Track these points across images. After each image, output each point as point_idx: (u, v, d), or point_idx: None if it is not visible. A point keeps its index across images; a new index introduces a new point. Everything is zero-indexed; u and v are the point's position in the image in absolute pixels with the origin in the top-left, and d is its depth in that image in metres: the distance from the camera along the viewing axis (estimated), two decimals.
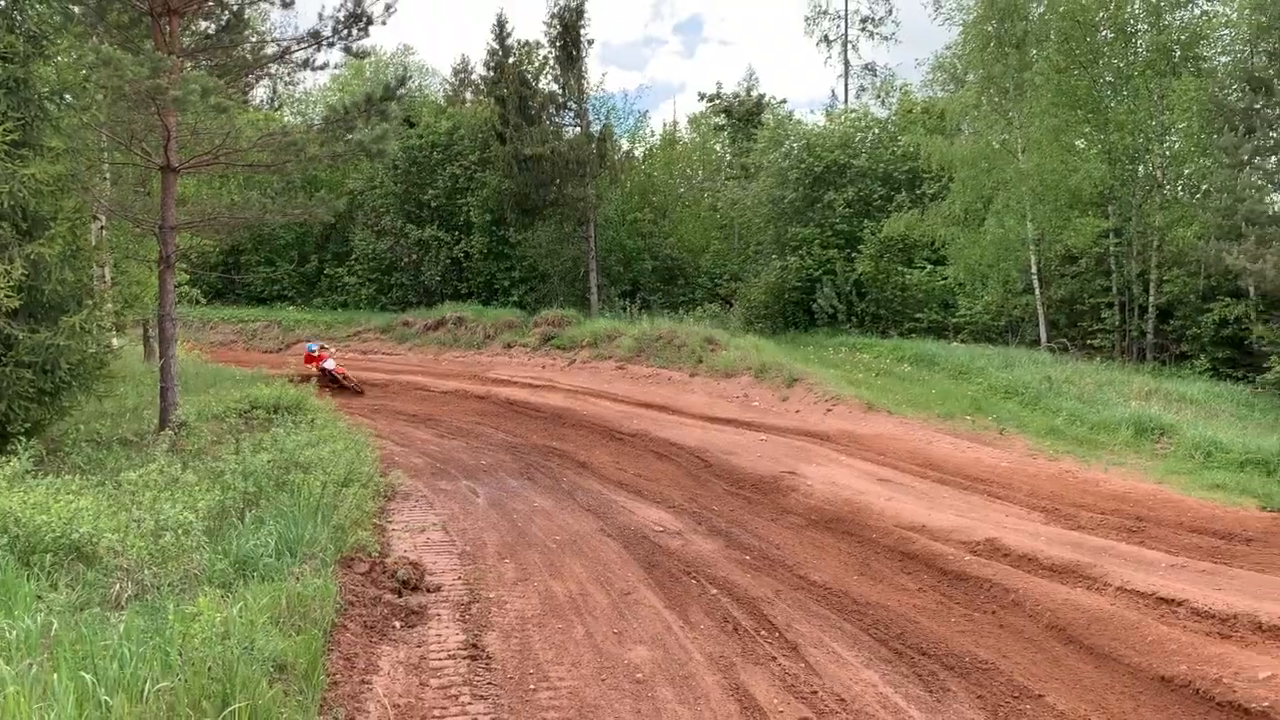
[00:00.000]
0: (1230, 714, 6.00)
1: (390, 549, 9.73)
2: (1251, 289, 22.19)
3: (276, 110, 36.18)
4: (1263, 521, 10.62)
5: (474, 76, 39.49)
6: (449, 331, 29.72)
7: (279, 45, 14.03)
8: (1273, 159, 22.64)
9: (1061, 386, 18.52)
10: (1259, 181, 22.54)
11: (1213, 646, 6.75)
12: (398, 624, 7.55)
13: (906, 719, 6.04)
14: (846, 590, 8.70)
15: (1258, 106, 21.88)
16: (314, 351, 23.43)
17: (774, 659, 7.04)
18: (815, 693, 6.42)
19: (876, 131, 31.49)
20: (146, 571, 6.72)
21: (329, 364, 22.37)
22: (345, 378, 22.22)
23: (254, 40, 15.06)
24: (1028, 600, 8.07)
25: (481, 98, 36.32)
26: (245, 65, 14.33)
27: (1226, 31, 24.27)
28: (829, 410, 17.90)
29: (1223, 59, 24.22)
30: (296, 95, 39.55)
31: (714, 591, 8.70)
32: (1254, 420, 17.38)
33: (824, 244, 29.34)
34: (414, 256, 33.79)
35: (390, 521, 11.03)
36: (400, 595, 8.21)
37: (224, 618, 5.59)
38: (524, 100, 30.76)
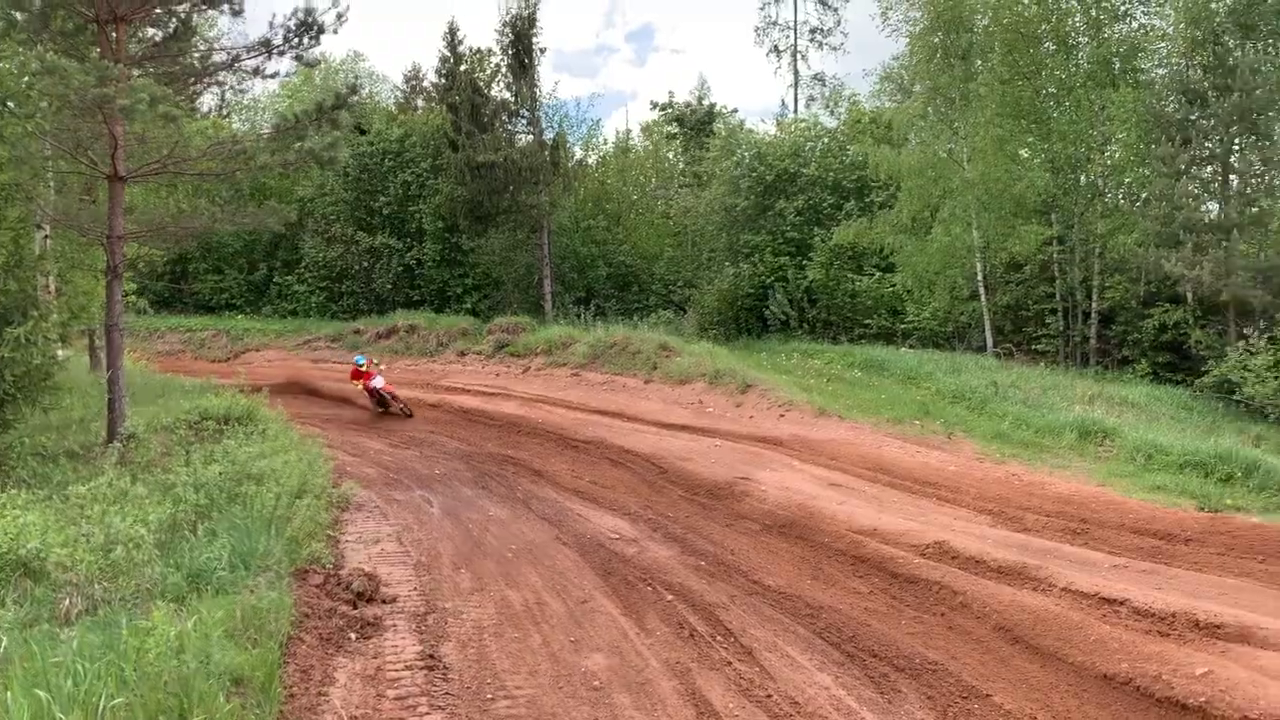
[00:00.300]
0: (1169, 709, 6.21)
1: (345, 560, 9.68)
2: (1189, 295, 22.84)
3: (225, 117, 35.67)
4: (1200, 522, 10.92)
5: (425, 84, 39.33)
6: (401, 339, 29.50)
7: (228, 53, 13.85)
8: (1208, 169, 23.34)
9: (1007, 391, 18.89)
10: (1195, 190, 23.23)
11: (1153, 645, 6.97)
12: (354, 636, 7.54)
13: None
14: (800, 594, 8.83)
15: (1193, 118, 22.55)
16: (361, 366, 21.06)
17: (729, 664, 7.14)
18: (770, 696, 6.54)
19: (826, 141, 31.85)
20: (97, 586, 6.66)
21: (377, 382, 20.24)
22: (394, 398, 20.21)
23: (202, 48, 14.88)
24: (976, 602, 8.26)
25: (433, 105, 36.17)
26: (194, 73, 14.15)
27: (1163, 45, 24.98)
28: (782, 416, 18.08)
29: (1160, 71, 24.93)
30: (245, 102, 39.02)
31: (670, 598, 8.79)
32: (1192, 423, 17.89)
33: (776, 251, 29.63)
34: (365, 264, 33.53)
35: (344, 533, 10.97)
36: (356, 607, 8.19)
37: (178, 632, 5.57)
38: (476, 108, 30.69)
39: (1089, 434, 15.58)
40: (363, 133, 33.24)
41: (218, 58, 14.41)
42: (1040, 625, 7.60)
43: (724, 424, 18.00)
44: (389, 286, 33.29)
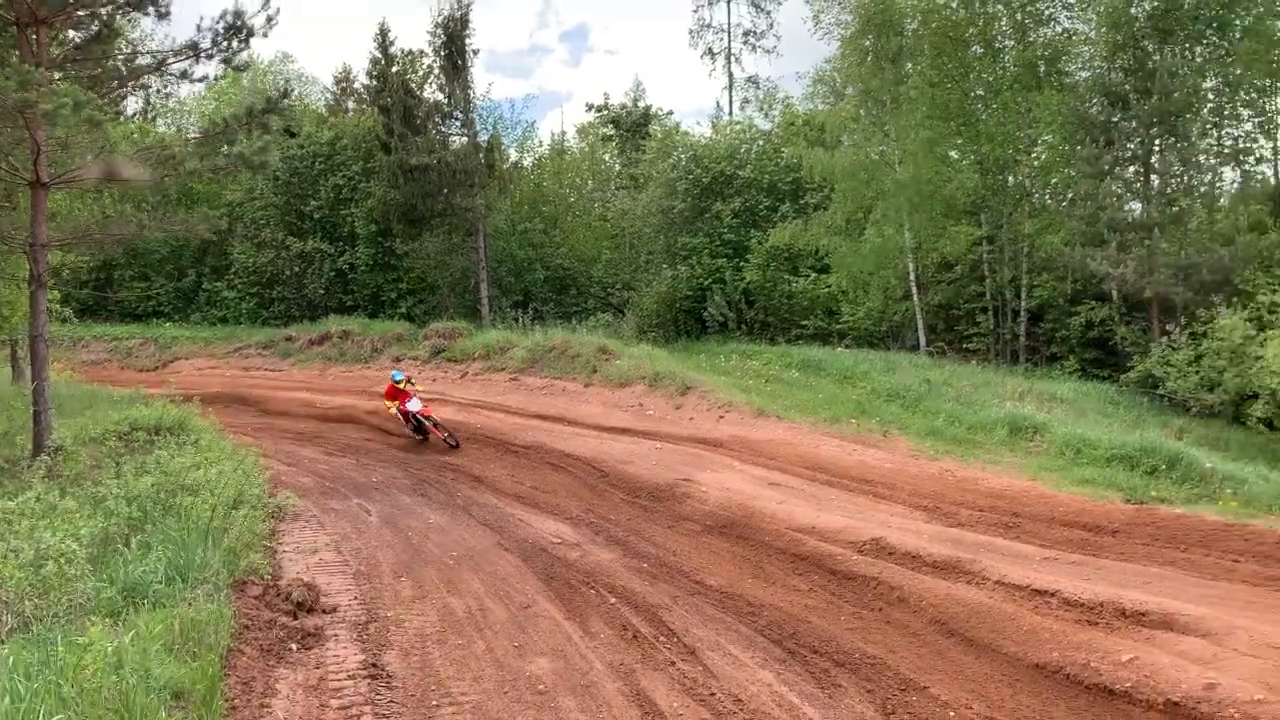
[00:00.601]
0: (1097, 695, 6.42)
1: (283, 571, 9.55)
2: (1114, 292, 23.49)
3: (151, 121, 34.88)
4: (1127, 513, 11.26)
5: (356, 85, 38.89)
6: (335, 346, 29.13)
7: (154, 57, 13.56)
8: (1130, 169, 24.03)
9: (940, 389, 19.26)
10: (1119, 190, 23.89)
11: (1081, 633, 7.20)
12: (295, 646, 7.46)
13: (801, 715, 6.28)
14: (741, 593, 8.94)
15: (1116, 119, 23.20)
16: (398, 383, 18.13)
17: (673, 664, 7.21)
18: (713, 694, 6.62)
19: (761, 143, 32.17)
20: (28, 603, 6.50)
21: (413, 405, 17.54)
22: (434, 425, 17.38)
23: (126, 51, 14.56)
24: (912, 596, 8.44)
25: (365, 107, 35.79)
26: (118, 77, 13.84)
27: (1086, 48, 25.64)
28: (721, 417, 18.22)
29: (1083, 74, 25.59)
30: (171, 105, 38.20)
31: (613, 600, 8.83)
32: (1119, 417, 18.41)
33: (713, 253, 29.83)
34: (296, 269, 33.03)
35: (282, 543, 10.82)
36: (296, 617, 8.10)
37: (116, 647, 5.46)
38: (409, 110, 30.43)
39: (1020, 430, 15.94)
40: (292, 135, 32.75)
41: (143, 61, 14.13)
42: (975, 618, 7.79)
43: (664, 426, 18.09)
44: (321, 292, 32.84)
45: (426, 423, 17.35)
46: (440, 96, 31.48)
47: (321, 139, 33.39)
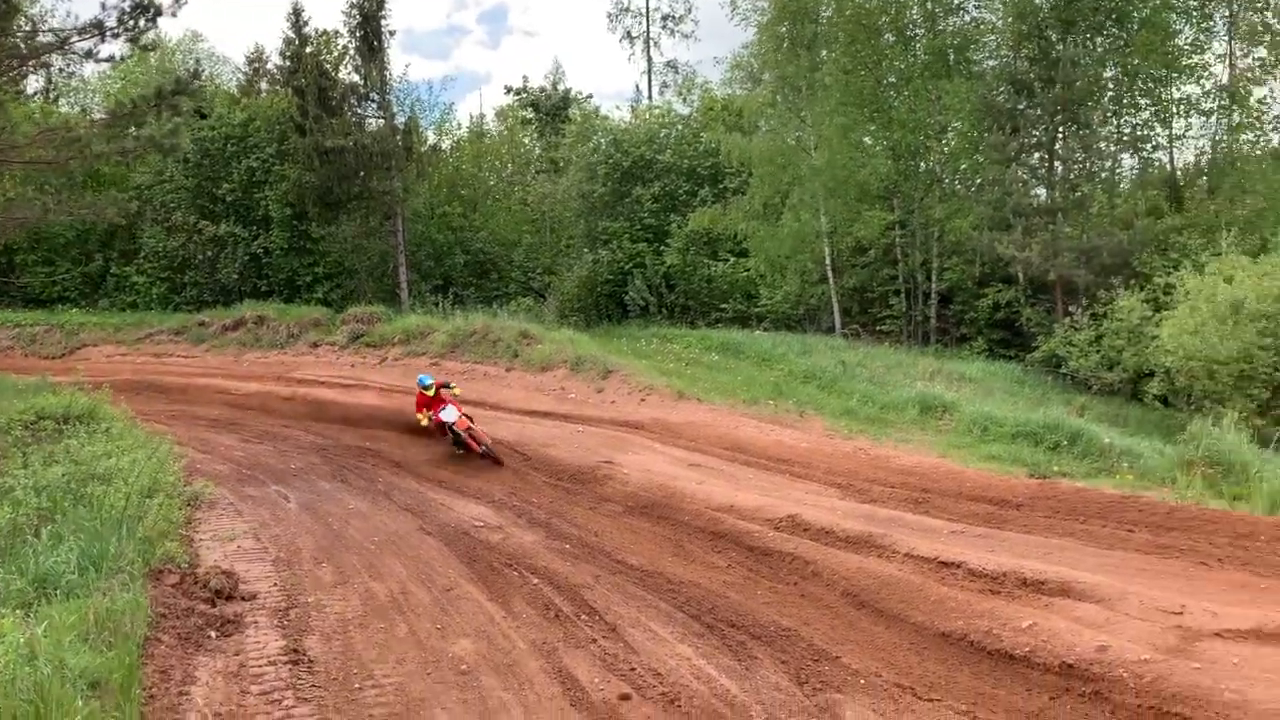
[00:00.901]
0: (999, 660, 6.75)
1: (200, 559, 9.45)
2: (1020, 275, 24.30)
3: (54, 101, 33.62)
4: (1030, 488, 11.73)
5: (269, 66, 37.92)
6: (250, 331, 28.52)
7: (56, 35, 13.16)
8: (1036, 156, 24.85)
9: (855, 370, 19.74)
10: (1024, 176, 24.70)
11: (985, 602, 7.54)
12: (213, 634, 7.42)
13: (718, 687, 6.50)
14: (662, 571, 9.13)
15: (1021, 107, 23.95)
16: (427, 388, 15.35)
17: (594, 641, 7.37)
18: (634, 669, 6.80)
19: (680, 128, 32.40)
20: None
21: (447, 414, 14.84)
22: (474, 438, 14.64)
23: (26, 28, 14.08)
24: (825, 570, 8.73)
25: (278, 88, 34.95)
26: (18, 55, 13.40)
27: (993, 38, 26.39)
28: (643, 400, 18.41)
29: (990, 63, 26.33)
30: (74, 85, 36.83)
31: (536, 581, 8.95)
32: (1024, 395, 19.10)
33: (633, 238, 30.00)
34: (209, 254, 32.19)
35: (198, 531, 10.68)
36: (214, 605, 8.05)
37: (28, 638, 5.40)
38: (324, 91, 29.85)
39: (930, 409, 16.45)
40: (204, 117, 31.87)
41: (44, 39, 13.69)
42: (885, 589, 8.10)
43: (586, 409, 18.21)
44: (235, 276, 32.07)
45: (464, 436, 14.69)
46: (356, 78, 30.93)
47: (234, 120, 32.54)
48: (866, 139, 27.08)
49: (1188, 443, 12.73)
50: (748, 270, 27.98)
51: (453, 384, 15.99)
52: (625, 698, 6.33)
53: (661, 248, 29.59)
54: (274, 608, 8.18)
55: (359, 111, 30.91)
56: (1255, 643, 6.07)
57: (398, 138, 30.19)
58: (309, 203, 30.49)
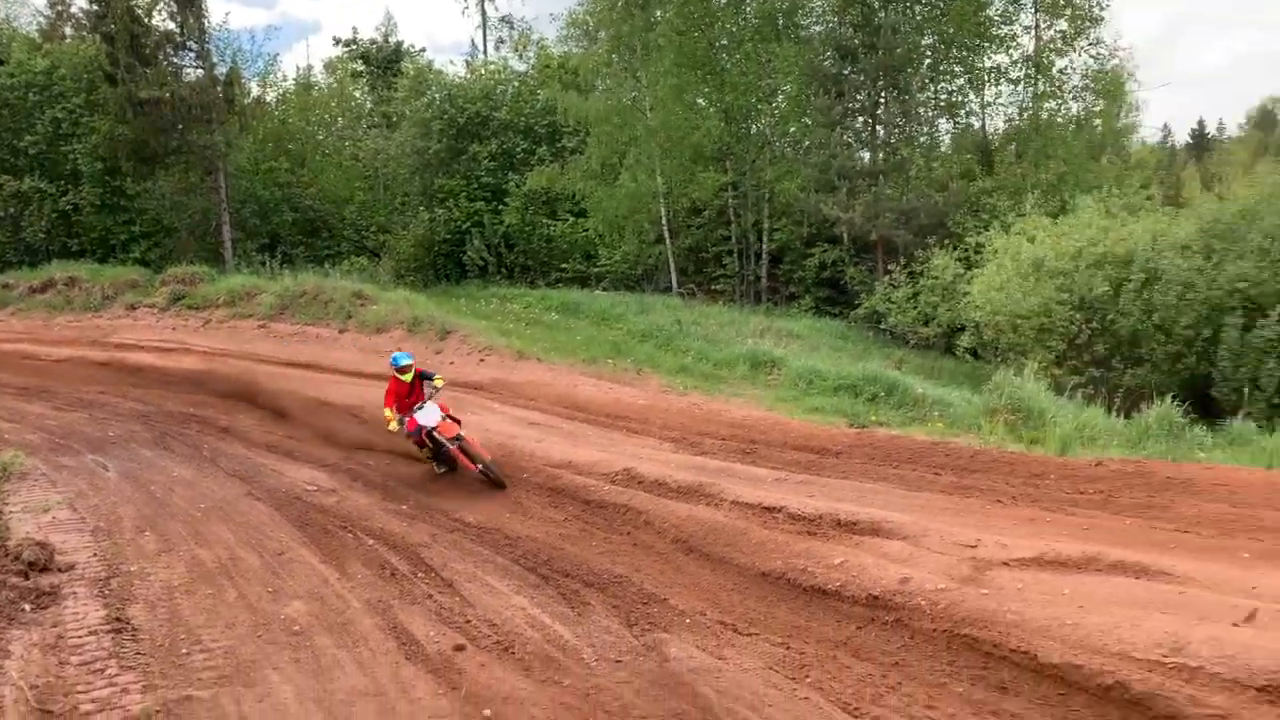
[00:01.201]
0: (814, 595, 7.25)
1: (11, 532, 9.02)
2: (845, 235, 25.40)
3: None
4: (849, 437, 12.43)
5: (74, 10, 35.42)
6: (60, 294, 26.79)
7: None
8: (860, 120, 25.91)
9: (690, 328, 20.30)
10: (849, 140, 25.74)
11: (802, 543, 8.04)
12: (28, 607, 7.17)
13: (551, 633, 6.76)
14: (499, 527, 9.31)
15: (846, 72, 24.90)
16: (401, 370, 11.34)
17: (430, 596, 7.51)
18: (469, 621, 6.98)
19: (517, 85, 32.12)
20: None
21: (426, 416, 10.93)
22: (464, 449, 10.89)
23: None
24: (657, 519, 9.09)
25: (85, 34, 32.68)
26: None
27: (820, 3, 27.22)
28: (482, 360, 18.41)
29: (817, 28, 27.18)
30: None
31: (371, 542, 8.98)
32: (847, 350, 20.12)
33: (471, 196, 29.70)
34: (12, 211, 29.95)
35: (8, 504, 10.17)
36: (28, 578, 7.75)
37: None
38: (136, 38, 28.05)
39: (760, 364, 17.12)
40: (1, 63, 29.55)
41: None
42: (711, 535, 8.52)
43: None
44: (42, 235, 29.97)
45: (450, 446, 10.84)
46: (171, 25, 29.21)
47: (36, 68, 30.19)
48: (700, 100, 27.57)
49: (992, 392, 13.73)
50: (586, 230, 28.17)
51: (436, 376, 11.42)
52: (460, 648, 6.50)
53: (500, 207, 29.43)
54: (94, 578, 7.94)
55: (175, 61, 29.22)
56: (1036, 569, 6.74)
57: (218, 89, 28.74)
58: (123, 157, 28.71)
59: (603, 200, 26.44)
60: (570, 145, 28.52)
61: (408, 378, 11.31)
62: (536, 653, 6.44)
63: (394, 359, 11.50)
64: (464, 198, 29.62)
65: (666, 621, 6.96)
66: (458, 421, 11.03)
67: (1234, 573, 6.33)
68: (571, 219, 28.76)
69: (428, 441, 11.03)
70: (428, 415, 10.88)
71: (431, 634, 6.77)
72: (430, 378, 11.37)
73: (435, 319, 20.47)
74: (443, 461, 11.26)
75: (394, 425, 11.10)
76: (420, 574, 8.06)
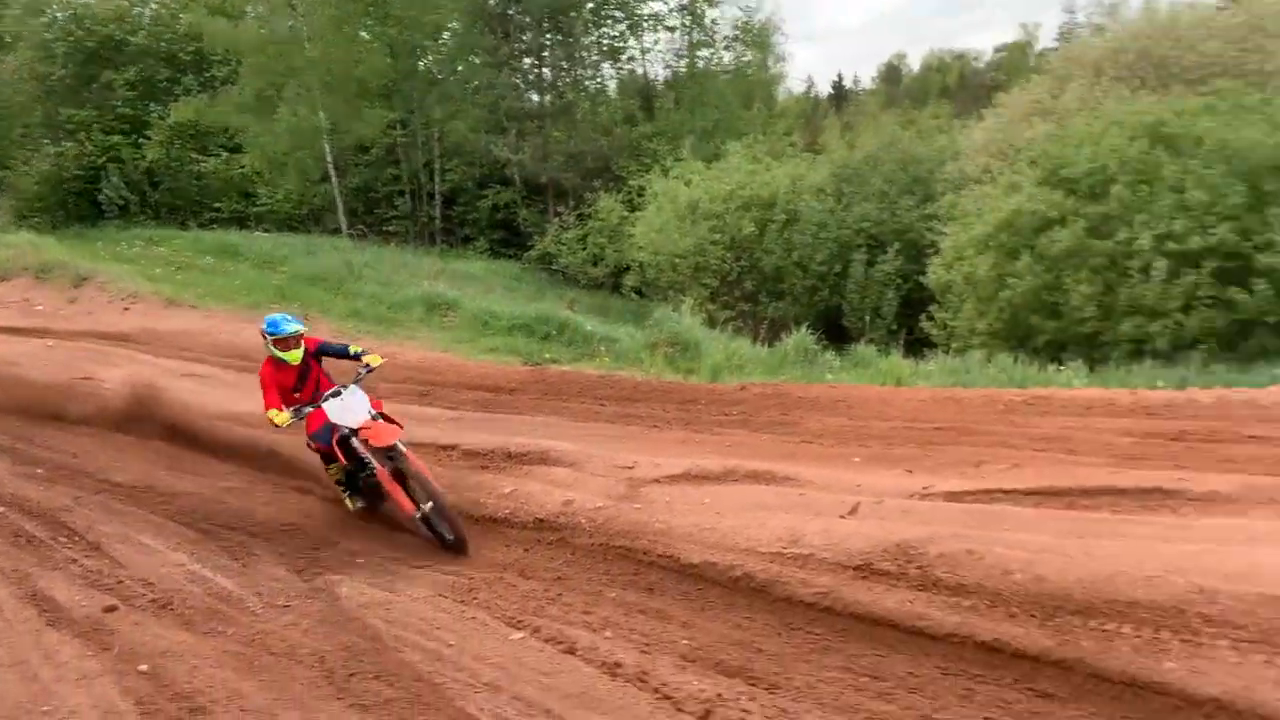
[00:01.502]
0: (486, 524, 7.45)
1: None
2: (516, 177, 25.65)
3: None
4: (523, 374, 12.77)
5: None
6: None
7: None
8: (526, 61, 26.12)
9: (362, 271, 19.79)
10: (517, 81, 25.90)
11: (475, 476, 8.23)
12: None
13: (214, 586, 6.51)
14: (153, 485, 8.73)
15: (512, 13, 24.96)
16: (280, 341, 7.34)
17: (74, 561, 6.97)
18: (121, 582, 6.56)
19: (155, 7, 29.29)
20: None
21: (342, 412, 7.08)
22: (399, 466, 7.05)
23: None
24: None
25: None
26: None
27: None
28: (126, 309, 17.02)
29: None
30: None
31: (1, 510, 8.14)
32: (522, 291, 20.47)
33: (106, 129, 26.88)
34: None
35: None
36: None
37: None
38: None
39: (435, 307, 17.08)
40: None
41: None
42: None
43: (58, 323, 16.46)
44: None
45: (378, 464, 7.05)
46: None
47: None
48: (364, 33, 26.51)
49: (653, 327, 14.64)
50: (243, 167, 26.48)
51: (364, 352, 7.53)
52: (111, 609, 6.10)
53: (141, 141, 26.92)
54: None
55: None
56: (684, 484, 7.36)
57: None
58: None
59: (260, 135, 24.85)
60: (220, 75, 26.51)
61: (293, 357, 7.35)
62: (198, 606, 6.17)
63: (269, 324, 7.36)
64: (98, 130, 26.75)
65: (338, 564, 6.89)
66: (398, 425, 7.28)
67: (846, 475, 7.30)
68: (225, 154, 26.86)
69: (340, 453, 7.20)
70: (346, 409, 7.08)
71: (78, 598, 6.29)
72: (347, 352, 7.57)
73: (68, 264, 18.65)
74: (361, 492, 7.62)
75: (283, 419, 7.08)
76: (62, 539, 7.42)
